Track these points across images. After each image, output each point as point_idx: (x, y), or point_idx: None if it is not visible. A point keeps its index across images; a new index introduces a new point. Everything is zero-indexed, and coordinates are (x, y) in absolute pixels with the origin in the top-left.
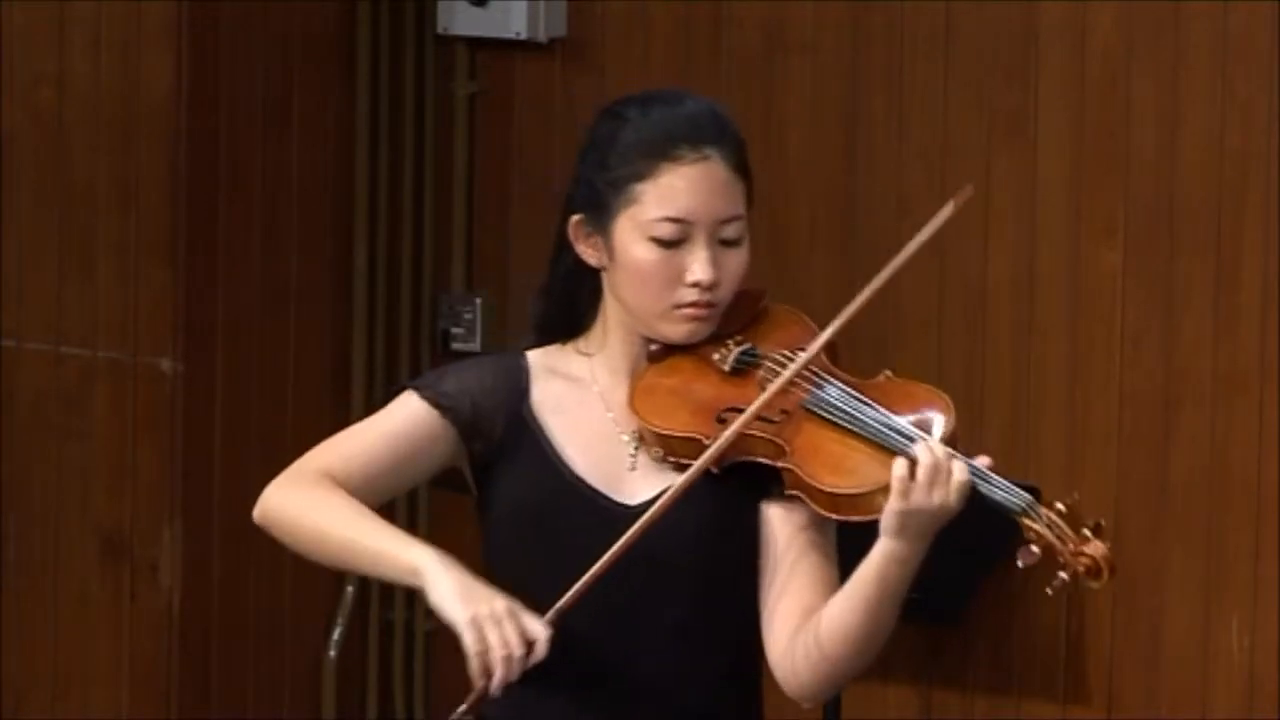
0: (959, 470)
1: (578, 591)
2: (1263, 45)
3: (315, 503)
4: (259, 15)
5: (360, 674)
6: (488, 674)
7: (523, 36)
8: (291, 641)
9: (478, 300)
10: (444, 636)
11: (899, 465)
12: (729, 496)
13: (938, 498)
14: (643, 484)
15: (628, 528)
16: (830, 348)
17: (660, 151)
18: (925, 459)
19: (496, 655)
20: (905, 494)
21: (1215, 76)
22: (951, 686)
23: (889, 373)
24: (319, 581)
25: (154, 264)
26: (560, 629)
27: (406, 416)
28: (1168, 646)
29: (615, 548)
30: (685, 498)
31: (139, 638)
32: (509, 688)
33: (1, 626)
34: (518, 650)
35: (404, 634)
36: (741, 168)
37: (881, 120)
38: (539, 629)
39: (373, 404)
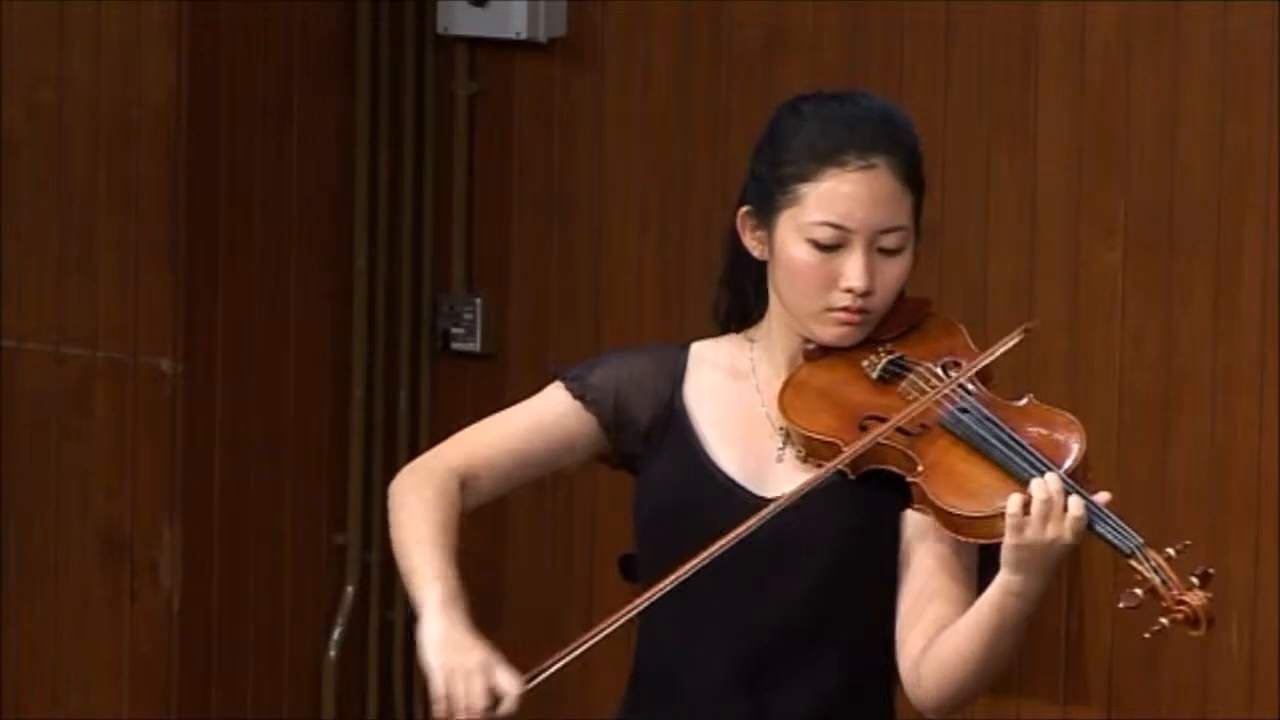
0: (1075, 506)
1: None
2: (1263, 45)
3: (408, 507)
4: (259, 15)
5: (360, 674)
6: None
7: (523, 36)
8: (291, 641)
9: (478, 300)
10: None
11: (1013, 501)
12: (871, 503)
13: (1051, 533)
14: (786, 478)
15: (777, 522)
16: (983, 370)
17: (827, 156)
18: (1039, 495)
19: (458, 706)
20: (1019, 529)
21: (1215, 76)
22: None
23: (1032, 396)
24: (319, 581)
25: (154, 264)
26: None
27: (550, 409)
28: (1168, 646)
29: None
30: (826, 500)
31: (139, 638)
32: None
33: (1, 626)
34: (478, 704)
35: (404, 634)
36: (911, 179)
37: None
38: (509, 687)
39: (373, 404)
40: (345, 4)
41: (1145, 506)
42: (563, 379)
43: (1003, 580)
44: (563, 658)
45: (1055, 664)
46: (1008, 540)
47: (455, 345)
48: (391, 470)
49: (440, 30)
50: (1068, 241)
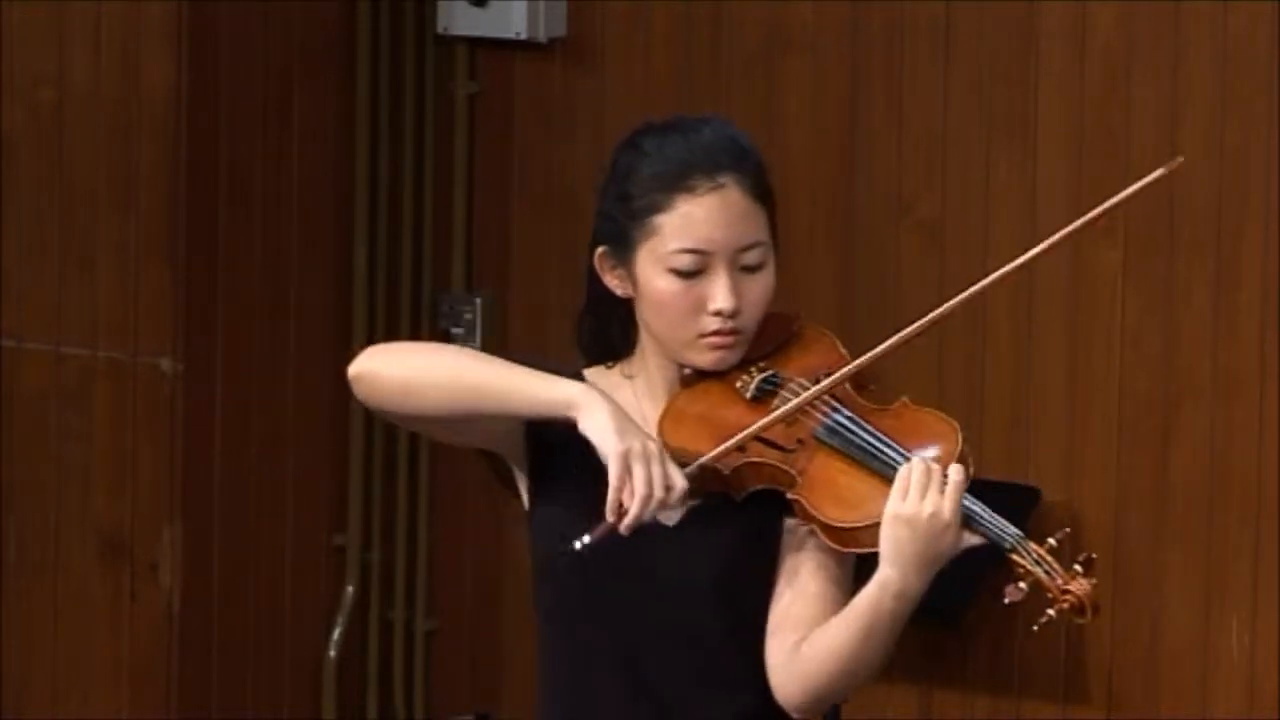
0: (955, 472)
1: (714, 456)
2: (1263, 45)
3: (437, 352)
4: (259, 15)
5: (360, 674)
6: (619, 511)
7: (523, 36)
8: (291, 641)
9: (478, 300)
10: (444, 636)
11: (900, 472)
12: (754, 519)
13: (930, 504)
14: (678, 508)
15: (664, 545)
16: (857, 374)
17: (675, 183)
18: (918, 465)
19: (638, 492)
20: (902, 495)
21: (1215, 76)
22: (951, 686)
23: (906, 399)
24: (319, 581)
25: (154, 264)
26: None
27: None
28: (1168, 646)
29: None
30: (711, 523)
31: (139, 638)
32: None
33: (2, 626)
34: (658, 492)
35: (404, 634)
36: (761, 194)
37: (881, 120)
38: (680, 479)
39: None
40: (345, 4)
41: (1145, 506)
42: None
43: (881, 577)
44: (721, 452)
45: (1055, 664)
46: (887, 513)
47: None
48: (392, 470)
49: (440, 30)
50: (1068, 241)
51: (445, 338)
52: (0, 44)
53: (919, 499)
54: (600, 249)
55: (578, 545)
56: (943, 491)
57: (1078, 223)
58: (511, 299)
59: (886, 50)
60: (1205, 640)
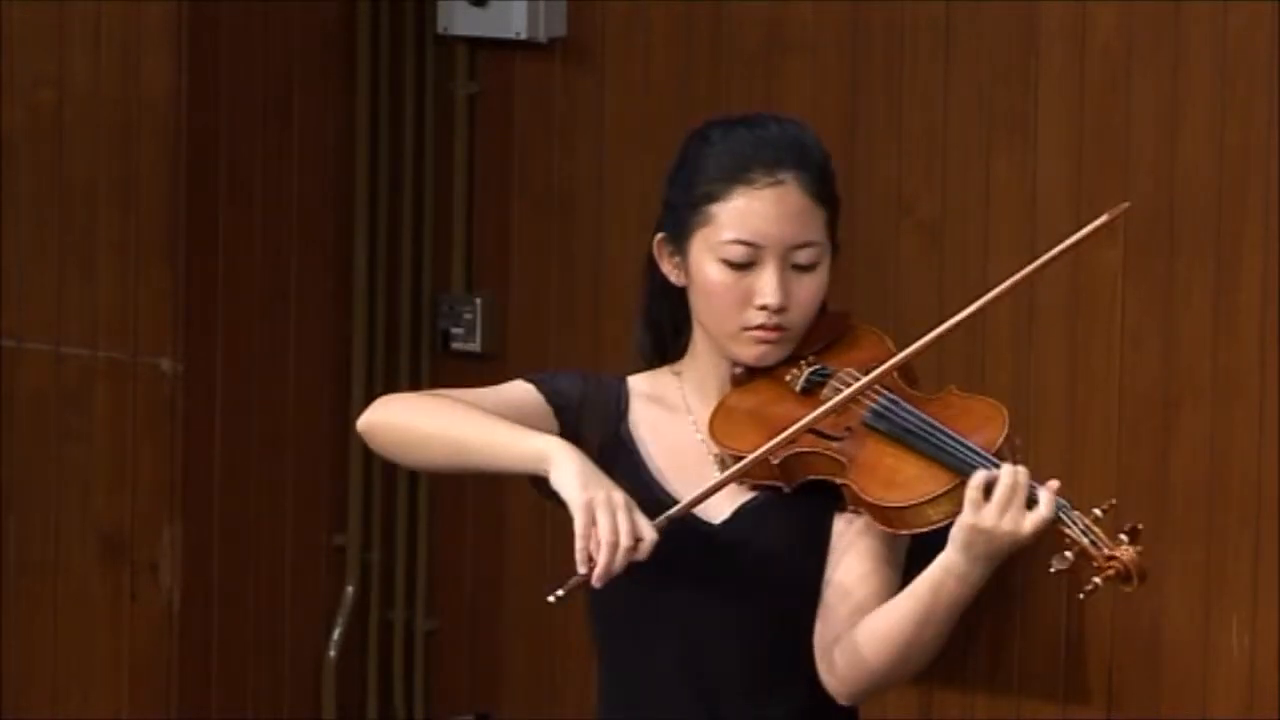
0: (1045, 505)
1: (682, 508)
2: (1263, 45)
3: (429, 406)
4: (259, 15)
5: (360, 674)
6: (590, 561)
7: (523, 36)
8: (291, 641)
9: (478, 300)
10: (444, 636)
11: (976, 479)
12: (804, 513)
13: (1007, 524)
14: (726, 502)
15: (711, 544)
16: (905, 368)
17: (735, 175)
18: (1005, 480)
19: (604, 541)
20: (977, 508)
21: (1215, 76)
22: (951, 686)
23: (954, 388)
24: (319, 581)
25: (154, 264)
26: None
27: (521, 398)
28: (1168, 646)
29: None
30: (765, 515)
31: (139, 638)
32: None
33: (1, 626)
34: (625, 540)
35: (404, 634)
36: (821, 195)
37: (881, 120)
38: (649, 530)
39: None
40: (345, 4)
41: (1145, 506)
42: (529, 379)
43: (946, 560)
44: (694, 501)
45: (1055, 664)
46: (962, 520)
47: (455, 345)
48: (392, 471)
49: (440, 30)
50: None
51: (445, 338)
52: (0, 44)
53: (998, 514)
54: (659, 235)
55: (551, 599)
56: (1024, 510)
57: (1034, 265)
58: (511, 299)
59: (886, 50)
60: (1205, 640)
